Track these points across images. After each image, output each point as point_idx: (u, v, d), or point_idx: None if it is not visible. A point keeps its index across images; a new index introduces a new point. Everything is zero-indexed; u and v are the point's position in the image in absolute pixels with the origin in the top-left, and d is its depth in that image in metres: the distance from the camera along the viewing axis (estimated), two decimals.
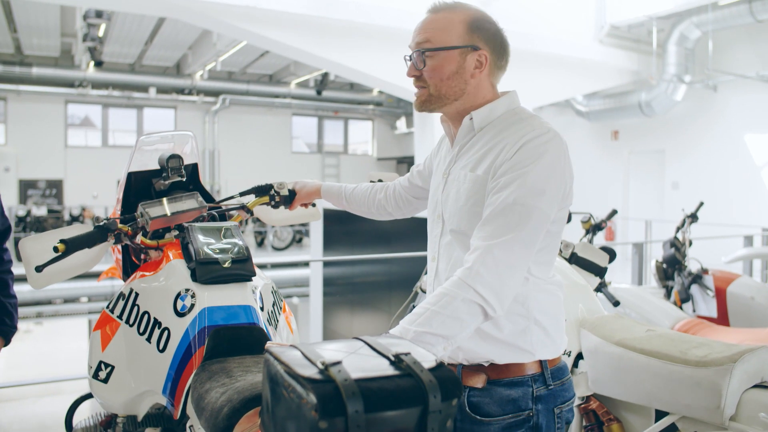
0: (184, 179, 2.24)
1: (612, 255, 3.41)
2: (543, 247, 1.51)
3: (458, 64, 1.53)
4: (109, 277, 2.57)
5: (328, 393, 1.01)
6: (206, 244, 1.86)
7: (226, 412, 1.42)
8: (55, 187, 16.94)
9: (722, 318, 3.89)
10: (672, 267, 4.15)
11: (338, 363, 1.08)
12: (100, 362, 1.85)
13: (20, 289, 10.09)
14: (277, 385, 1.10)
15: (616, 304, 3.28)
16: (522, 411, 1.50)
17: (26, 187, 16.65)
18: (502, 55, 1.60)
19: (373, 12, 9.06)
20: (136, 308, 1.84)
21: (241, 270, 1.82)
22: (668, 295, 4.16)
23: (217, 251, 1.84)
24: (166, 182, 2.22)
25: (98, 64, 13.78)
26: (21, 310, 11.15)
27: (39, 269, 1.88)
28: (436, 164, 1.77)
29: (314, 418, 1.00)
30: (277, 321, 1.99)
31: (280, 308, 2.08)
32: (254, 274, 1.85)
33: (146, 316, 1.80)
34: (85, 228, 1.97)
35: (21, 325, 15.55)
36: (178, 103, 17.75)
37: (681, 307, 3.99)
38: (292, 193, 2.31)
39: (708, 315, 3.91)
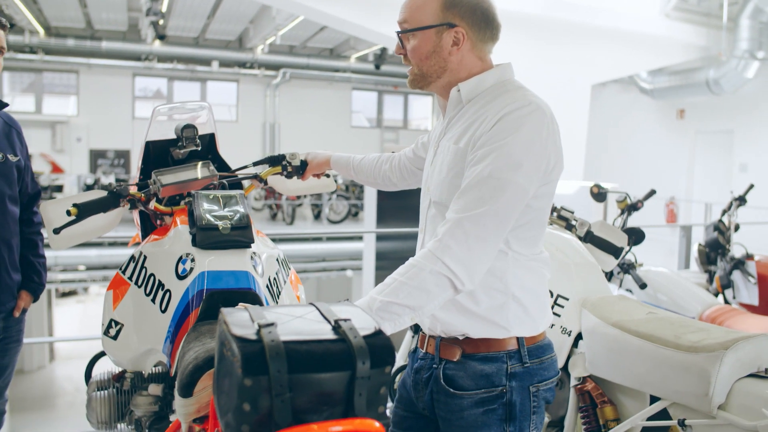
0: (199, 148, 2.31)
1: (639, 236, 3.30)
2: (525, 223, 1.49)
3: (434, 43, 1.52)
4: (136, 243, 2.67)
5: (252, 352, 1.04)
6: (209, 211, 1.92)
7: (190, 369, 1.48)
8: (123, 157, 17.58)
9: (765, 306, 3.72)
10: (715, 251, 3.99)
11: (271, 325, 1.10)
12: (111, 320, 1.94)
13: (86, 254, 10.48)
14: (221, 344, 1.14)
15: (643, 286, 3.18)
16: (495, 387, 1.50)
17: (96, 156, 17.34)
18: (485, 27, 1.55)
19: None
20: (144, 270, 1.92)
21: (240, 237, 1.86)
22: (710, 280, 4.01)
23: (219, 218, 1.89)
24: (183, 151, 2.29)
25: (161, 37, 14.12)
26: (89, 274, 11.68)
27: (56, 231, 1.99)
28: (430, 137, 1.78)
29: (239, 375, 1.03)
30: (281, 289, 2.03)
31: (287, 277, 2.12)
32: (252, 241, 1.89)
33: (152, 278, 1.88)
34: (100, 193, 2.06)
35: (94, 288, 16.27)
36: (240, 76, 18.03)
37: (723, 294, 3.84)
38: (304, 164, 2.34)
39: (749, 302, 3.75)
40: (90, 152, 17.24)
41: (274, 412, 1.04)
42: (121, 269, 2.00)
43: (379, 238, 10.13)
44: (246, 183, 2.41)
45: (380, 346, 1.11)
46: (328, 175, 2.50)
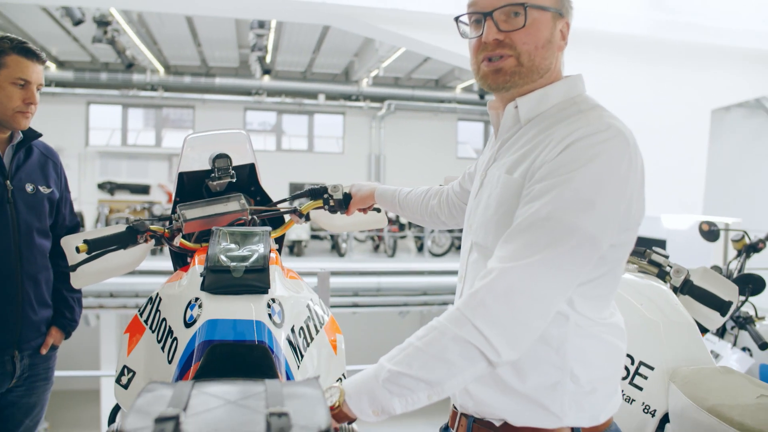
0: (234, 180, 2.13)
1: (758, 284, 2.76)
2: (596, 278, 1.15)
3: (550, 31, 1.23)
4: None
5: None
6: (225, 250, 1.72)
7: None
8: None
9: None
10: None
11: (171, 419, 0.81)
12: (124, 367, 1.76)
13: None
14: None
15: (764, 346, 2.64)
16: None
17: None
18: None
19: None
20: (158, 314, 1.75)
21: (254, 281, 1.62)
22: None
23: (233, 259, 1.66)
24: (217, 183, 2.14)
25: (267, 72, 14.56)
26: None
27: (72, 268, 1.86)
28: (477, 164, 1.46)
29: None
30: (310, 340, 1.75)
31: (320, 324, 1.84)
32: (267, 287, 1.64)
33: (164, 324, 1.70)
34: (117, 229, 1.90)
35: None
36: (346, 108, 18.28)
37: None
38: (347, 197, 2.10)
39: None
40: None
41: None
42: (139, 311, 1.83)
43: None
44: (287, 218, 2.20)
45: None
46: (379, 210, 2.22)
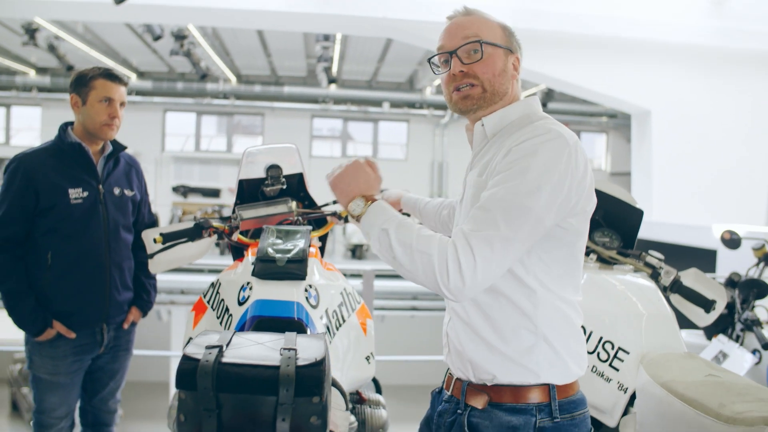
0: (285, 186, 2.49)
1: (763, 289, 2.94)
2: (557, 259, 1.44)
3: (504, 63, 1.52)
4: None
5: (186, 369, 1.14)
6: (272, 244, 2.08)
7: None
8: None
9: None
10: None
11: (217, 347, 1.17)
12: (190, 338, 2.12)
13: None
14: None
15: (767, 347, 2.81)
16: None
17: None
18: (521, 62, 1.59)
19: (584, 20, 8.70)
20: (218, 296, 2.13)
21: (294, 270, 1.99)
22: None
23: (278, 251, 2.02)
24: (271, 189, 2.50)
25: (332, 81, 15.05)
26: None
27: (150, 256, 2.28)
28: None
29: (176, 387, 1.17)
30: (342, 321, 2.09)
31: (352, 309, 2.19)
32: (304, 275, 2.00)
33: (222, 303, 2.07)
34: (187, 224, 2.30)
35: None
36: (410, 116, 18.60)
37: None
38: None
39: None
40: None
41: (202, 426, 1.11)
42: (203, 294, 2.21)
43: None
44: (329, 219, 2.54)
45: (308, 377, 1.16)
46: (408, 214, 2.54)
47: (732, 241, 3.43)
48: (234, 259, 2.52)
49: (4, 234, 2.43)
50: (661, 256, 2.41)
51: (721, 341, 3.08)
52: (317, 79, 16.40)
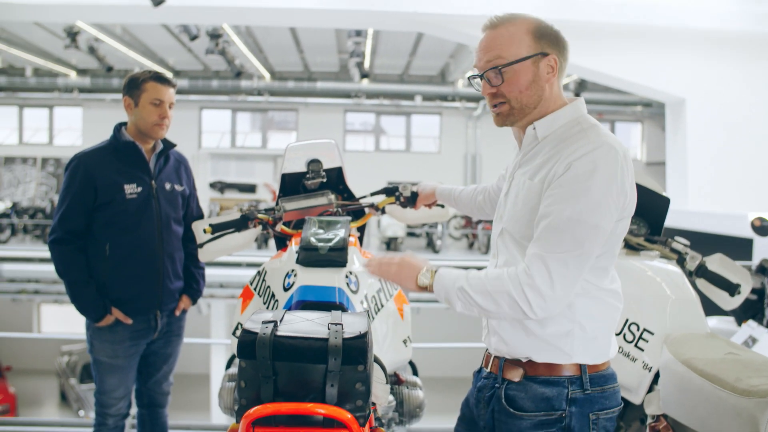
0: (325, 180, 2.62)
1: None
2: (599, 255, 1.53)
3: (533, 72, 1.57)
4: None
5: (246, 341, 1.30)
6: (314, 234, 2.22)
7: None
8: None
9: None
10: None
11: (271, 322, 1.33)
12: (238, 323, 2.28)
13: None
14: None
15: None
16: (555, 410, 1.55)
17: None
18: (566, 56, 1.62)
19: (615, 9, 8.67)
20: (263, 282, 2.28)
21: (336, 257, 2.12)
22: None
23: (321, 240, 2.16)
24: (312, 182, 2.63)
25: (364, 76, 15.18)
26: None
27: (200, 246, 2.48)
28: (508, 167, 1.86)
29: (237, 356, 1.33)
30: (381, 306, 2.23)
31: (390, 295, 2.32)
32: (345, 262, 2.13)
33: (268, 290, 2.22)
34: (234, 216, 2.46)
35: None
36: (442, 109, 18.63)
37: None
38: (415, 195, 2.54)
39: None
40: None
41: (261, 390, 1.27)
42: (250, 282, 2.37)
43: None
44: (367, 211, 2.66)
45: (353, 347, 1.30)
46: (442, 206, 2.65)
47: (762, 228, 3.47)
48: (278, 249, 2.65)
49: (67, 227, 2.60)
50: (687, 242, 2.49)
51: (750, 326, 3.13)
52: (349, 74, 16.54)
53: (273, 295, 2.17)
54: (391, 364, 2.23)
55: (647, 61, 9.19)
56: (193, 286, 2.93)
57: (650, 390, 2.07)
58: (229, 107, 18.69)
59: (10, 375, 13.77)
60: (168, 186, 2.78)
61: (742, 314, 3.26)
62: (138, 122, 2.68)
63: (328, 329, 1.35)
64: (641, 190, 2.60)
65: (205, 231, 2.39)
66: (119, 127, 2.75)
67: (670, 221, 2.65)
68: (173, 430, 3.24)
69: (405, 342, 2.32)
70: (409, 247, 15.47)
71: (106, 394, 2.73)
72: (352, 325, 1.40)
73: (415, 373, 2.66)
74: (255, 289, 2.29)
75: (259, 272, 2.34)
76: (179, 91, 17.49)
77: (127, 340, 2.70)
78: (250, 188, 18.49)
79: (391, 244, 14.40)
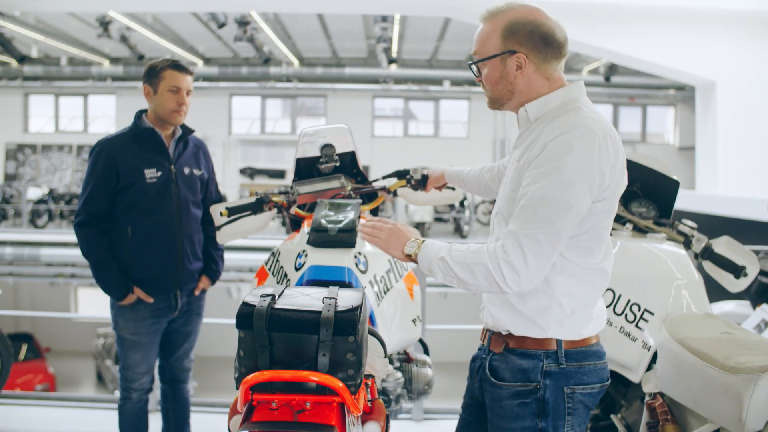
0: (338, 164, 2.69)
1: None
2: (581, 233, 1.60)
3: (500, 70, 1.67)
4: None
5: (244, 312, 1.40)
6: (325, 216, 2.29)
7: None
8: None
9: None
10: None
11: (270, 296, 1.41)
12: None
13: None
14: None
15: None
16: (530, 382, 1.63)
17: None
18: (546, 48, 1.65)
19: None
20: (277, 263, 2.36)
21: (345, 238, 2.19)
22: None
23: (331, 222, 2.23)
24: (325, 166, 2.69)
25: (392, 61, 15.22)
26: None
27: (218, 228, 2.58)
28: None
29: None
30: (390, 286, 2.30)
31: (399, 276, 2.39)
32: (353, 243, 2.19)
33: (281, 270, 2.29)
34: (249, 199, 2.55)
35: None
36: (471, 94, 18.55)
37: None
38: (425, 177, 2.60)
39: None
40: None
41: (258, 359, 1.35)
42: (265, 262, 2.45)
43: None
44: (379, 194, 2.73)
45: (344, 319, 1.39)
46: (453, 188, 2.71)
47: None
48: (292, 231, 2.74)
49: (91, 210, 2.72)
50: (694, 225, 2.51)
51: (764, 310, 3.14)
52: (377, 59, 16.57)
53: (285, 275, 2.24)
54: (399, 342, 2.30)
55: (676, 44, 9.06)
56: (212, 266, 3.02)
57: (649, 369, 2.11)
58: (258, 94, 18.86)
59: (49, 356, 14.22)
60: (187, 170, 2.87)
61: (757, 298, 3.26)
62: (157, 109, 2.78)
63: (323, 303, 1.43)
64: (651, 173, 2.64)
65: (221, 214, 2.49)
66: (140, 114, 2.85)
67: (695, 206, 2.66)
68: (194, 406, 3.35)
69: (414, 321, 2.38)
70: (436, 233, 15.53)
71: (130, 369, 2.85)
72: (346, 299, 1.48)
73: (426, 352, 2.73)
74: (270, 269, 2.37)
75: (273, 253, 2.42)
76: (209, 78, 17.69)
77: (149, 318, 2.81)
78: (280, 174, 18.68)
79: (418, 228, 14.43)
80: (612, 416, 2.25)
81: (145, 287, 2.78)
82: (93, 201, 2.72)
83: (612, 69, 16.66)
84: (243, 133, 19.27)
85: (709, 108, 9.45)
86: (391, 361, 2.47)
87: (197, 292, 2.97)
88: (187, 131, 2.91)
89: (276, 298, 1.45)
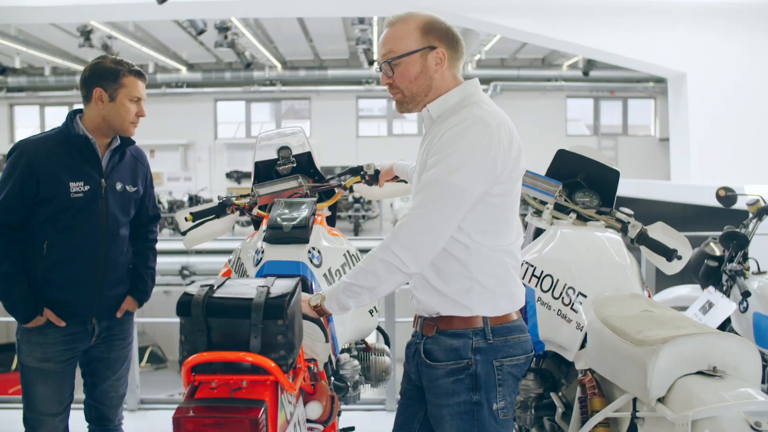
0: (295, 165, 2.82)
1: (741, 241, 3.14)
2: (483, 219, 1.74)
3: (421, 64, 1.79)
4: None
5: (183, 300, 1.55)
6: (280, 214, 2.42)
7: None
8: None
9: None
10: None
11: (208, 286, 1.56)
12: None
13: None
14: None
15: (746, 294, 3.03)
16: (462, 359, 1.76)
17: (326, 173, 19.18)
18: (456, 46, 1.83)
19: None
20: (238, 260, 2.49)
21: (299, 234, 2.32)
22: None
23: (285, 219, 2.37)
24: (283, 167, 2.82)
25: (372, 62, 15.37)
26: None
27: (183, 233, 2.69)
28: None
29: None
30: None
31: None
32: (307, 239, 2.33)
33: (242, 266, 2.43)
34: (212, 204, 2.67)
35: None
36: None
37: None
38: (377, 172, 2.75)
39: None
40: (320, 169, 19.15)
41: (197, 342, 1.50)
42: (228, 260, 2.59)
43: None
44: (336, 190, 2.87)
45: (273, 305, 1.55)
46: (405, 182, 2.85)
47: (727, 198, 3.58)
48: (255, 230, 2.87)
49: (3, 219, 2.36)
50: (631, 212, 2.66)
51: (710, 292, 3.29)
52: (359, 60, 16.72)
53: (245, 272, 2.38)
54: (356, 331, 2.45)
55: (646, 37, 9.25)
56: (140, 287, 2.65)
57: (583, 348, 2.26)
58: (243, 98, 18.98)
59: None
60: (119, 186, 2.52)
61: (704, 281, 3.41)
62: (110, 117, 2.43)
63: (256, 291, 1.58)
64: (593, 164, 2.80)
65: (186, 219, 2.59)
66: (73, 116, 2.50)
67: (670, 196, 2.80)
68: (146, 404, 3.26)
69: (371, 312, 2.52)
70: None
71: (36, 409, 2.45)
72: (279, 288, 1.63)
73: (387, 342, 2.88)
74: (232, 266, 2.50)
75: (235, 251, 2.55)
76: (194, 84, 17.74)
77: (60, 343, 2.44)
78: None
79: None
80: (552, 394, 2.40)
81: (56, 310, 2.41)
82: (6, 210, 2.35)
83: (590, 63, 16.85)
84: (229, 138, 19.38)
85: (680, 99, 9.64)
86: (349, 350, 2.62)
87: (119, 315, 2.59)
88: (126, 142, 2.56)
89: (215, 288, 1.59)
